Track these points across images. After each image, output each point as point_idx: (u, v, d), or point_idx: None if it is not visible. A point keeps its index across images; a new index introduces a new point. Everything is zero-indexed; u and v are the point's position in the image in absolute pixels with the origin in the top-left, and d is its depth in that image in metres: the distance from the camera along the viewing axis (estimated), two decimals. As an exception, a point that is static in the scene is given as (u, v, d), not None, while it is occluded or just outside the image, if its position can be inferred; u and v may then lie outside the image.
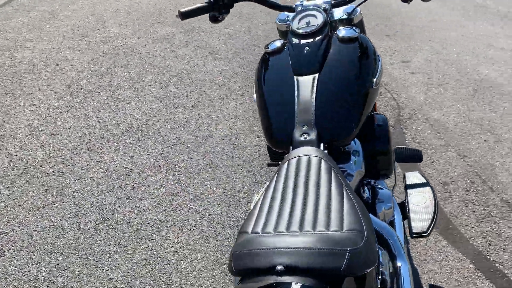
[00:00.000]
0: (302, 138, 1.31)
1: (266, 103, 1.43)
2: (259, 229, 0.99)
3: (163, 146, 2.98)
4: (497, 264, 2.06)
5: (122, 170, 2.75)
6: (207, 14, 1.62)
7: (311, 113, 1.35)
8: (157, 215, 2.43)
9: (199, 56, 4.21)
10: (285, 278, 0.86)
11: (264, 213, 1.05)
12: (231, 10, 1.64)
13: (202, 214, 2.43)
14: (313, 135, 1.31)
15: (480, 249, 2.13)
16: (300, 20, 1.51)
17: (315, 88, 1.39)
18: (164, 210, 2.46)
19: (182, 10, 1.58)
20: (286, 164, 1.20)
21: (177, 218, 2.41)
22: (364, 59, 1.44)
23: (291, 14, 1.61)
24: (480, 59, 4.03)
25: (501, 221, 2.29)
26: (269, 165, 1.66)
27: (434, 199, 1.58)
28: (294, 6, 1.60)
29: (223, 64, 4.06)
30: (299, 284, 0.86)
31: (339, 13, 1.59)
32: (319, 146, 1.29)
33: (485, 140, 2.94)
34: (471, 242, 2.18)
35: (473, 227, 2.27)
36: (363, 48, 1.46)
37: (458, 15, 5.18)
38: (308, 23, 1.49)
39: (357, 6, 1.57)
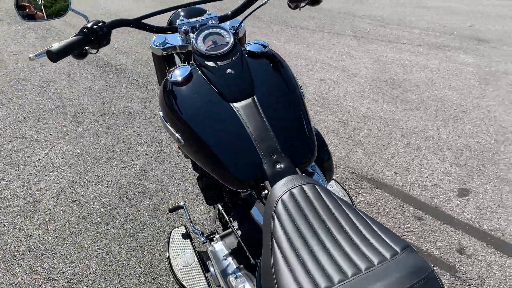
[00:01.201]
0: (277, 169, 1.19)
1: (211, 144, 1.24)
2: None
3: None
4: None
5: None
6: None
7: (272, 139, 1.24)
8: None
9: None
10: None
11: (299, 267, 0.92)
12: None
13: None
14: (286, 162, 1.20)
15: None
16: (204, 40, 1.38)
17: (260, 111, 1.27)
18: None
19: (53, 48, 1.18)
20: (279, 202, 1.07)
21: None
22: (285, 72, 1.39)
23: (170, 36, 1.47)
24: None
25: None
26: (210, 204, 1.49)
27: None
28: (177, 26, 1.45)
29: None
30: None
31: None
32: (296, 172, 1.19)
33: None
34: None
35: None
36: (277, 61, 1.40)
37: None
38: (215, 43, 1.38)
39: (242, 20, 1.50)
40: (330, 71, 4.27)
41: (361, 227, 0.99)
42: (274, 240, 0.99)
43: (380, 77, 4.09)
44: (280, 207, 1.05)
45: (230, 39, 1.39)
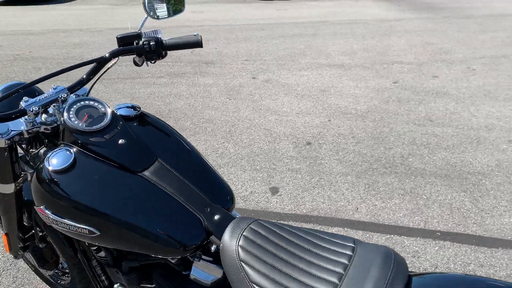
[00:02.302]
0: (216, 220, 1.20)
1: (138, 222, 1.16)
2: None
3: None
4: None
5: None
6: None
7: (198, 194, 1.26)
8: None
9: None
10: None
11: None
12: None
13: None
14: (221, 211, 1.23)
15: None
16: (76, 117, 1.27)
17: (173, 171, 1.28)
18: None
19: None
20: (239, 249, 1.10)
21: None
22: (169, 129, 1.42)
23: (12, 123, 1.30)
24: None
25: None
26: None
27: None
28: (24, 108, 1.28)
29: None
30: None
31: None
32: (232, 216, 1.23)
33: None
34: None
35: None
36: (155, 120, 1.43)
37: None
38: (91, 116, 1.28)
39: (91, 88, 1.46)
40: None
41: (315, 240, 1.15)
42: (254, 285, 1.05)
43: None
44: (242, 253, 1.09)
45: (105, 109, 1.31)
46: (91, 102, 1.31)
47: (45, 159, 1.24)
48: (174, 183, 1.24)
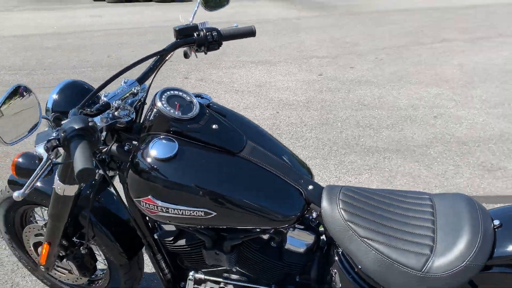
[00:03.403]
0: (310, 189, 1.31)
1: (249, 199, 1.24)
2: None
3: None
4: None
5: None
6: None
7: (291, 168, 1.34)
8: None
9: None
10: None
11: (400, 244, 1.22)
12: None
13: None
14: (311, 181, 1.34)
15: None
16: (168, 107, 1.29)
17: (265, 151, 1.34)
18: None
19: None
20: (342, 212, 1.23)
21: None
22: (237, 114, 1.48)
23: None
24: None
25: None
26: None
27: None
28: (108, 102, 1.29)
29: None
30: None
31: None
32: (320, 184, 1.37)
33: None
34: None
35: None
36: (223, 107, 1.47)
37: None
38: (182, 105, 1.31)
39: (152, 79, 1.47)
40: None
41: (397, 197, 1.34)
42: (365, 239, 1.21)
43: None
44: (345, 215, 1.25)
45: (191, 97, 1.35)
46: (177, 92, 1.33)
47: (143, 150, 1.25)
48: (269, 160, 1.33)
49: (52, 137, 1.04)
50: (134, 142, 1.34)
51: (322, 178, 3.02)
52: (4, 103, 0.98)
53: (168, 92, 1.32)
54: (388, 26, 7.72)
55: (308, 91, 4.68)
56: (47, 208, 1.55)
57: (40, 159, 1.11)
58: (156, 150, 1.22)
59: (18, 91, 1.02)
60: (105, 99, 1.30)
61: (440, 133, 3.64)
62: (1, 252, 2.34)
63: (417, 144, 3.47)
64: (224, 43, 1.57)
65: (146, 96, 1.48)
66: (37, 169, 1.03)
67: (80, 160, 0.92)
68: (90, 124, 1.06)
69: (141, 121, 1.42)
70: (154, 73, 1.47)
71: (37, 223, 1.89)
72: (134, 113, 1.39)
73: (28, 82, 4.93)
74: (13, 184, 1.68)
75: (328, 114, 4.07)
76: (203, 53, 1.56)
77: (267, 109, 4.20)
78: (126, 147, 1.34)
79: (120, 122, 1.32)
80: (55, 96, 1.41)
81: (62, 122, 1.07)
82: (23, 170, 1.54)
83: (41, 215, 1.91)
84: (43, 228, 1.67)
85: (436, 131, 3.69)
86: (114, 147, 1.36)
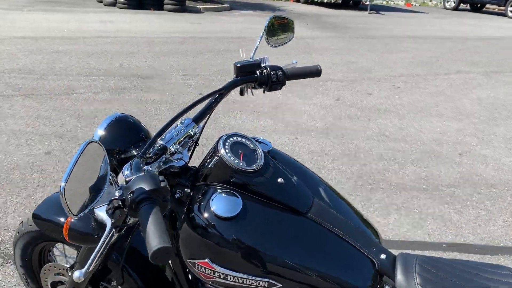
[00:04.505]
0: (383, 258, 1.15)
1: (319, 268, 1.09)
2: None
3: None
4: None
5: None
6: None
7: (362, 232, 1.20)
8: None
9: None
10: None
11: None
12: None
13: None
14: (383, 249, 1.18)
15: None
16: (232, 157, 1.12)
17: (331, 210, 1.18)
18: None
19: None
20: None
21: None
22: (298, 162, 1.33)
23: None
24: None
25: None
26: None
27: None
28: (165, 146, 1.13)
29: None
30: None
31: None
32: (391, 253, 1.22)
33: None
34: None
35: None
36: (284, 154, 1.33)
37: None
38: (246, 155, 1.14)
39: (207, 119, 1.31)
40: None
41: (480, 273, 1.18)
42: None
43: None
44: None
45: (253, 144, 1.19)
46: (240, 138, 1.18)
47: (201, 203, 1.08)
48: (338, 223, 1.17)
49: (115, 197, 0.87)
50: (187, 190, 1.18)
51: (349, 216, 2.86)
52: (76, 163, 0.79)
53: (232, 138, 1.16)
54: (401, 53, 7.64)
55: (326, 116, 4.53)
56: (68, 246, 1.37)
57: (98, 222, 0.93)
58: (218, 206, 1.05)
59: (89, 148, 0.83)
60: (161, 142, 1.14)
61: (467, 173, 3.50)
62: (8, 279, 2.15)
63: (445, 183, 3.32)
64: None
65: (199, 137, 1.32)
66: (101, 240, 0.86)
67: (155, 236, 0.75)
68: (162, 184, 0.89)
69: (190, 164, 1.26)
70: (210, 113, 1.32)
71: (56, 261, 1.71)
72: (188, 156, 1.23)
73: (39, 87, 4.75)
74: (37, 219, 1.50)
75: (349, 143, 3.92)
76: (262, 91, 1.41)
77: (285, 133, 4.04)
78: (177, 195, 1.18)
79: (172, 167, 1.16)
80: (102, 132, 1.25)
81: (126, 178, 0.91)
82: (78, 233, 1.32)
83: (62, 250, 1.73)
84: (67, 271, 1.49)
85: (462, 170, 3.55)
86: None
